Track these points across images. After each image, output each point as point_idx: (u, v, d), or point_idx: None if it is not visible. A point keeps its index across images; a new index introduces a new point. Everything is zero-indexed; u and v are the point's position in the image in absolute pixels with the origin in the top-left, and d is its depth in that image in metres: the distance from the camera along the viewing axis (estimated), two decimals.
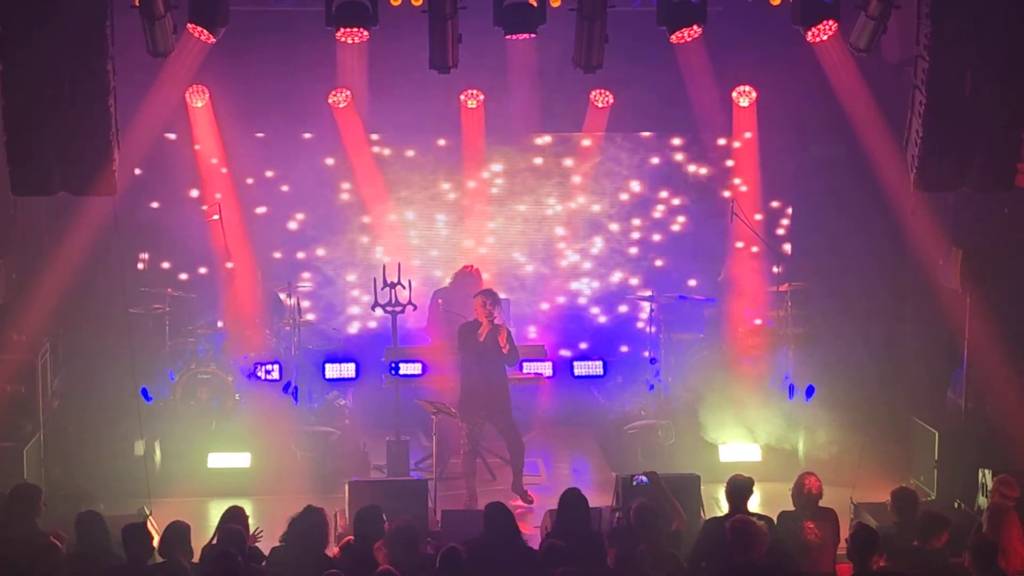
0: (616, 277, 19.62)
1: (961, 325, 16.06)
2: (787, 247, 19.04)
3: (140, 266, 18.46)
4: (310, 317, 18.62)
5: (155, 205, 18.53)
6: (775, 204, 19.26)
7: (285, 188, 19.05)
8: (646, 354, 18.29)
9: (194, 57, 16.49)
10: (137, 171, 17.61)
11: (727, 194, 19.14)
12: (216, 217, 17.77)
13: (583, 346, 19.28)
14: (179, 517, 11.67)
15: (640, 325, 19.13)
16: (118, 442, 15.98)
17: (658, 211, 19.55)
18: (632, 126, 19.13)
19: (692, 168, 19.45)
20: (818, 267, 18.30)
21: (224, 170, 18.61)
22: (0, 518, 12.06)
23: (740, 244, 18.88)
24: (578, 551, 11.22)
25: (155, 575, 11.08)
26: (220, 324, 18.07)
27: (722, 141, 19.18)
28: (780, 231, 19.31)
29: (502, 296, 17.14)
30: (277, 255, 19.03)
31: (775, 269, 18.12)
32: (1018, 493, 12.38)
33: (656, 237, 19.57)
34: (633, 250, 19.60)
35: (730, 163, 19.27)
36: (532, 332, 18.99)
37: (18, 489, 12.32)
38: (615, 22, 13.64)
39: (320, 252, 19.24)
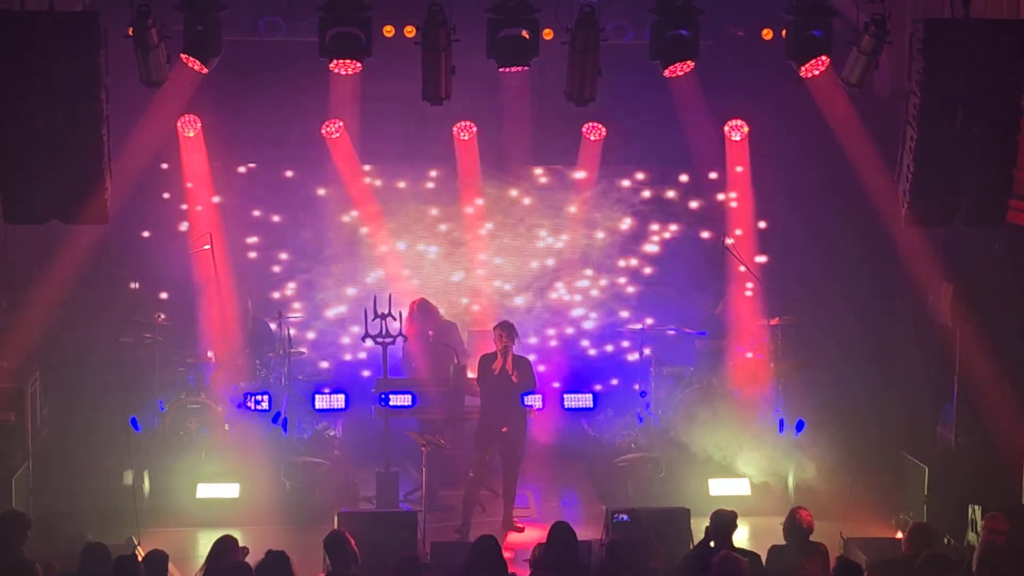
0: (607, 310, 19.61)
1: (951, 360, 16.09)
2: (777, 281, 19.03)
3: (134, 285, 18.39)
4: (302, 351, 18.54)
5: (146, 234, 18.54)
6: (766, 237, 19.23)
7: (277, 218, 19.06)
8: (636, 387, 18.29)
9: (187, 87, 16.46)
10: (127, 215, 17.65)
11: (706, 233, 19.28)
12: (207, 247, 17.76)
13: (573, 379, 19.21)
14: (168, 547, 11.63)
15: (631, 358, 19.10)
16: (107, 471, 15.89)
17: (650, 244, 19.56)
18: (625, 159, 19.14)
19: (684, 202, 19.46)
20: (809, 301, 18.28)
21: (215, 199, 18.64)
22: None
23: (741, 268, 18.87)
24: None
25: None
26: (210, 354, 18.03)
27: (714, 175, 19.21)
28: (766, 263, 19.23)
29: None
30: (273, 294, 18.97)
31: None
32: (1008, 526, 12.36)
33: (647, 270, 19.57)
34: (624, 282, 19.59)
35: (722, 197, 19.28)
36: None
37: (5, 517, 12.26)
38: (608, 56, 13.68)
39: (310, 282, 19.21)
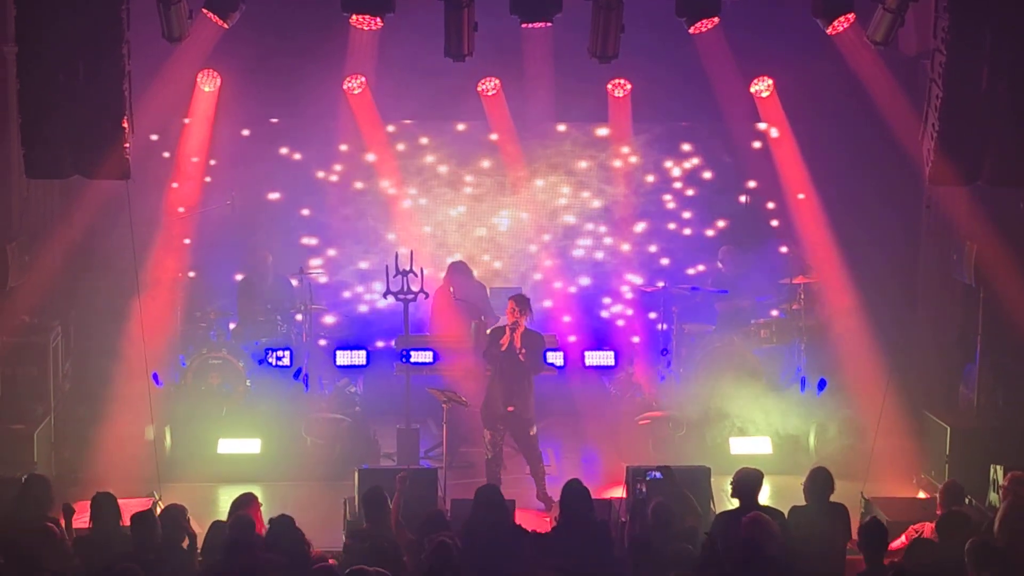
0: (629, 267, 19.55)
1: (974, 319, 16.03)
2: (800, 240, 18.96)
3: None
4: (328, 316, 18.52)
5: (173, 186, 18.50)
6: (789, 196, 19.12)
7: (297, 174, 19.00)
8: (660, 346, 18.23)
9: (207, 41, 16.41)
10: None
11: (731, 191, 19.27)
12: (228, 203, 17.77)
13: (594, 336, 19.14)
14: (188, 502, 11.70)
15: (652, 316, 19.04)
16: (128, 426, 15.91)
17: (673, 202, 19.48)
18: (649, 116, 18.95)
19: (709, 159, 19.36)
20: (831, 260, 18.21)
21: (235, 155, 18.61)
22: (13, 507, 12.04)
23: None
24: (581, 540, 11.23)
25: (160, 560, 11.10)
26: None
27: (739, 132, 19.06)
28: (791, 220, 19.12)
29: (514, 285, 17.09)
30: (294, 250, 18.83)
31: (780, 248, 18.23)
32: None
33: (671, 227, 19.50)
34: (645, 239, 19.51)
35: (746, 154, 19.16)
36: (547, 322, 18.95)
37: (31, 480, 12.31)
38: (632, 12, 13.59)
39: (331, 238, 19.19)
